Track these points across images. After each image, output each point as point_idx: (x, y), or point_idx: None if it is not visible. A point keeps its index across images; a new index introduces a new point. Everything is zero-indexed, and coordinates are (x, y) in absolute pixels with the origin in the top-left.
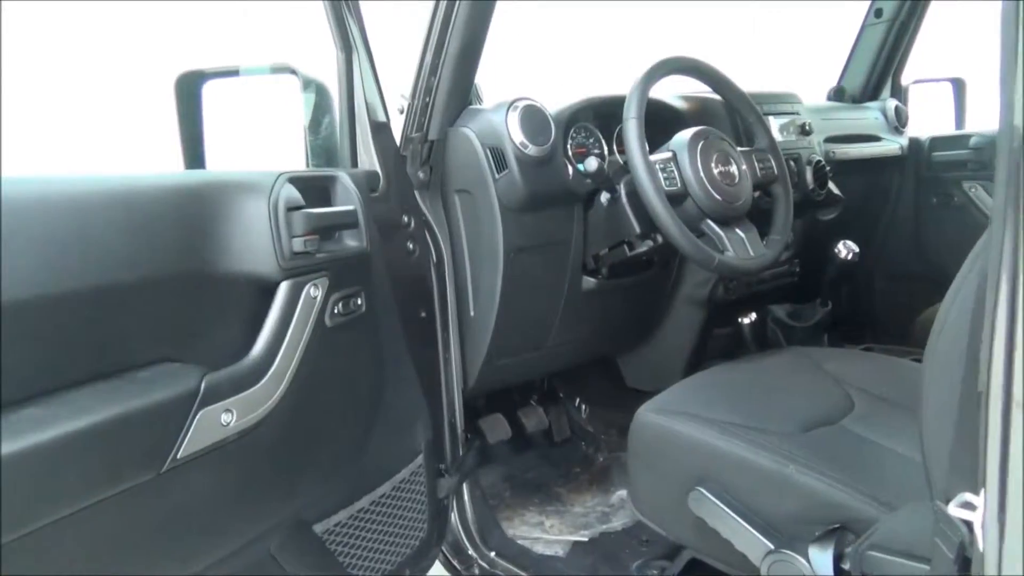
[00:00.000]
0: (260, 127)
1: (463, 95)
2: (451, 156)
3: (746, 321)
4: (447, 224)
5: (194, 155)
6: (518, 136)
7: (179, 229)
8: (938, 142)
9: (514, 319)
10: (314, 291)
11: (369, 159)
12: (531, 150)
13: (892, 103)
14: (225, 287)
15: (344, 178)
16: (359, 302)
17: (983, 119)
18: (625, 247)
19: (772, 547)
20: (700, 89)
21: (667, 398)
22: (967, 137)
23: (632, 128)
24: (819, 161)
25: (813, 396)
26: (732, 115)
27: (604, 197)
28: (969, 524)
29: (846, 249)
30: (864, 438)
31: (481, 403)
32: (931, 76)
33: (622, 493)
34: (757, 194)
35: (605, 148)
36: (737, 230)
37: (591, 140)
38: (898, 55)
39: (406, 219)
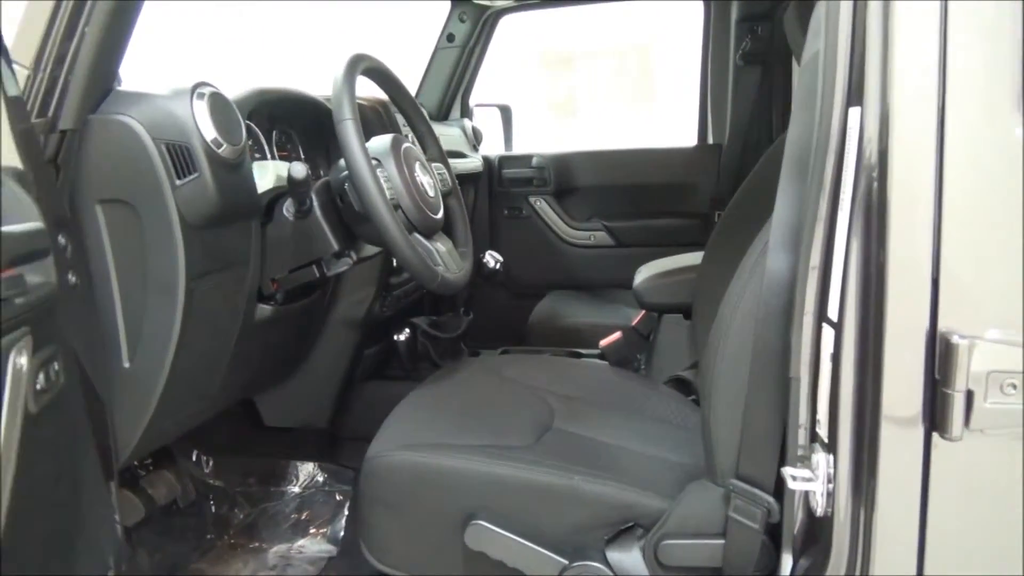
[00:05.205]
0: None
1: (109, 72)
2: (93, 154)
3: (401, 337)
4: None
5: None
6: (210, 131)
7: None
8: (506, 161)
9: (187, 365)
10: (19, 359)
11: (7, 149)
12: (225, 150)
13: (469, 123)
14: None
15: (10, 181)
16: (56, 368)
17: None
18: (314, 268)
19: (566, 562)
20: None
21: (400, 434)
22: (530, 157)
23: (351, 130)
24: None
25: (521, 405)
26: (383, 123)
27: (288, 209)
28: (775, 493)
29: (493, 260)
30: (585, 436)
31: None
32: (485, 101)
33: (279, 549)
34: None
35: (267, 151)
36: (439, 244)
37: (251, 142)
38: (466, 78)
39: (62, 240)
